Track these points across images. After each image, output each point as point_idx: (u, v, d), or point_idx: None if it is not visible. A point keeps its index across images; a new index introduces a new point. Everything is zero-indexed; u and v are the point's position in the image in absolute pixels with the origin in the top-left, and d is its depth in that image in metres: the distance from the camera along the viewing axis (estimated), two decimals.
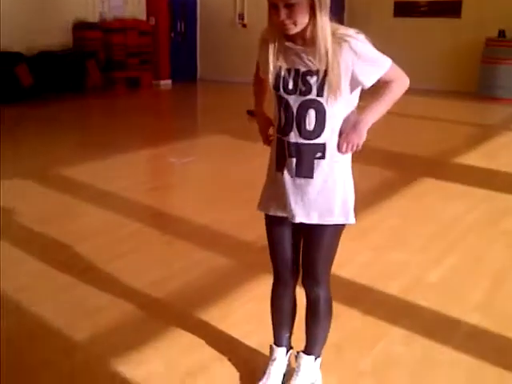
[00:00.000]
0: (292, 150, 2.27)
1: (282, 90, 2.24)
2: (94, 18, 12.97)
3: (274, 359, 2.66)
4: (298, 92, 2.21)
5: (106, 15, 13.24)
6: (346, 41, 2.14)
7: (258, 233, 4.33)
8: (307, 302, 2.53)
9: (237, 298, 3.52)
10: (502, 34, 12.97)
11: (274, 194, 2.40)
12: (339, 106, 2.22)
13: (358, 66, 2.16)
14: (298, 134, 2.24)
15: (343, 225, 2.38)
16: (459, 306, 3.45)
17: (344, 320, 3.18)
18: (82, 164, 6.64)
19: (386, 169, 6.64)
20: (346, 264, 3.85)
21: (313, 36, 2.13)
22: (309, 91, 2.18)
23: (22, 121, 9.20)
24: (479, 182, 6.14)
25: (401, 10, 14.15)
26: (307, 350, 2.60)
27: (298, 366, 2.61)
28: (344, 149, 2.27)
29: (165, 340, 3.03)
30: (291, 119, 2.24)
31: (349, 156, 2.33)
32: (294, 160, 2.28)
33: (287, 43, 2.20)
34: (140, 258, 4.11)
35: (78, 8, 12.61)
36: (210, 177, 6.38)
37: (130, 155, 7.19)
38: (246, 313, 3.34)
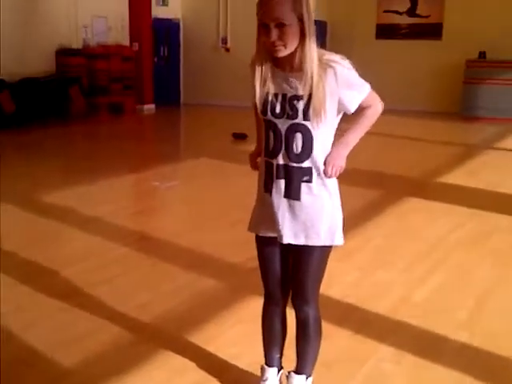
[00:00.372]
0: (280, 172, 2.31)
1: (269, 113, 2.27)
2: (77, 44, 13.02)
3: (266, 379, 2.66)
4: (285, 116, 2.25)
5: (89, 41, 13.30)
6: (331, 67, 2.18)
7: (245, 255, 4.41)
8: (297, 321, 2.53)
9: (225, 321, 3.50)
10: (482, 55, 13.22)
11: (263, 215, 2.43)
12: (325, 131, 2.27)
13: (344, 91, 2.22)
14: (286, 156, 2.28)
15: (330, 248, 2.40)
16: (446, 324, 3.46)
17: (333, 339, 3.18)
18: (65, 189, 6.63)
19: (371, 189, 6.69)
20: (334, 284, 3.87)
21: (301, 61, 2.16)
22: (296, 115, 2.22)
23: (5, 147, 9.15)
24: (463, 200, 6.21)
25: (383, 33, 14.39)
26: (298, 370, 2.60)
27: None
28: (329, 173, 2.30)
29: (154, 363, 3.01)
30: (280, 142, 2.28)
31: (335, 180, 2.37)
32: (283, 181, 2.31)
33: (275, 68, 2.24)
34: (127, 282, 4.09)
35: (62, 34, 12.66)
36: (195, 200, 6.38)
37: (113, 180, 7.19)
38: (235, 335, 3.33)
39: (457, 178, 7.37)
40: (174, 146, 10.53)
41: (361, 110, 2.32)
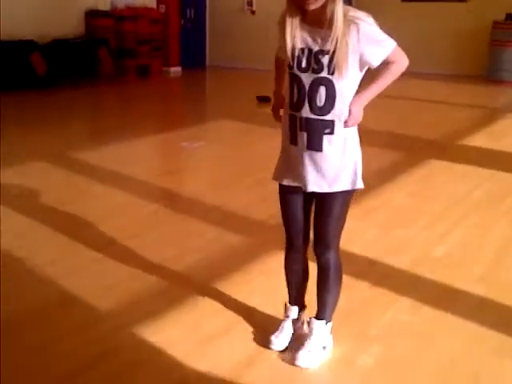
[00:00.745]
0: (303, 125, 2.47)
1: (295, 67, 2.43)
2: (105, 6, 13.12)
3: (288, 316, 2.88)
4: (310, 70, 2.40)
5: (117, 3, 13.39)
6: (355, 23, 2.32)
7: (268, 212, 4.60)
8: (318, 267, 2.72)
9: (249, 272, 3.69)
10: (509, 17, 13.04)
11: (287, 165, 2.61)
12: (347, 85, 2.42)
13: (367, 47, 2.35)
14: (309, 109, 2.44)
15: (352, 192, 2.57)
16: (464, 279, 3.62)
17: (353, 291, 3.36)
18: (96, 148, 6.82)
19: (394, 150, 6.79)
20: (355, 240, 4.03)
21: (329, 15, 2.30)
22: (321, 69, 2.38)
23: (37, 107, 9.37)
24: (483, 162, 6.31)
25: None
26: (318, 315, 2.79)
27: (311, 331, 2.80)
28: (348, 123, 2.45)
29: (184, 308, 3.22)
30: (304, 95, 2.43)
31: (355, 131, 2.53)
32: (305, 134, 2.47)
33: (303, 24, 2.39)
34: (158, 236, 4.29)
35: None
36: (221, 160, 6.55)
37: (142, 140, 7.38)
38: (259, 285, 3.51)
39: (478, 140, 7.44)
40: (200, 107, 10.67)
41: (385, 64, 2.44)
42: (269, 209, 4.75)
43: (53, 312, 3.21)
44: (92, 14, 12.69)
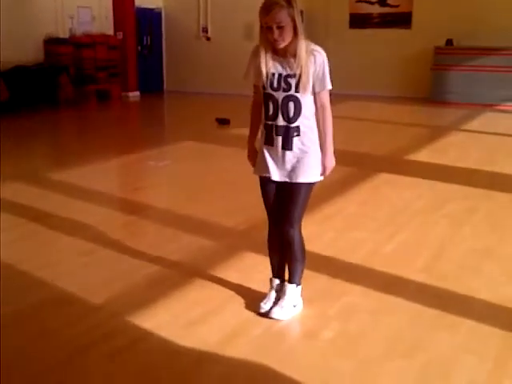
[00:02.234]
0: (278, 131, 3.21)
1: (269, 88, 3.16)
2: (64, 33, 13.55)
3: (273, 287, 3.57)
4: (281, 89, 3.14)
5: (75, 31, 13.83)
6: (314, 54, 3.10)
7: (235, 220, 5.14)
8: (284, 242, 3.41)
9: (225, 270, 4.18)
10: (449, 42, 13.95)
11: (264, 162, 3.31)
12: (308, 99, 3.18)
13: (315, 74, 3.14)
14: (282, 119, 3.17)
15: (313, 183, 3.32)
16: (408, 269, 4.19)
17: (315, 282, 3.90)
18: (65, 170, 7.21)
19: (346, 166, 7.35)
20: (315, 242, 4.53)
21: (294, 49, 3.06)
22: (289, 89, 3.13)
23: (1, 132, 9.67)
24: (427, 174, 6.99)
25: (355, 22, 15.03)
26: (290, 280, 3.51)
27: (284, 292, 3.50)
28: (326, 173, 3.33)
29: (170, 298, 3.71)
30: (277, 109, 3.18)
31: (316, 137, 3.26)
32: (280, 138, 3.21)
33: (274, 55, 3.13)
34: (136, 242, 4.72)
35: (49, 24, 13.20)
36: (188, 176, 7.05)
37: (109, 161, 7.85)
38: (235, 279, 3.99)
39: (423, 155, 8.14)
40: (161, 130, 11.16)
41: (319, 107, 3.22)
42: (236, 217, 5.31)
43: (51, 308, 3.64)
44: (52, 42, 13.12)
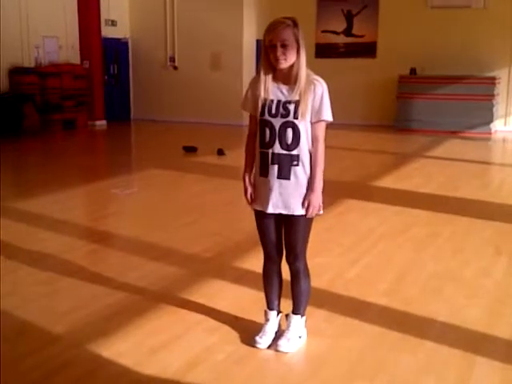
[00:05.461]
0: (275, 159, 3.12)
1: (267, 114, 3.10)
2: (29, 63, 13.51)
3: (268, 320, 3.48)
4: (279, 115, 3.08)
5: (41, 60, 13.80)
6: (313, 83, 3.08)
7: (199, 247, 5.15)
8: (291, 274, 3.36)
9: (190, 295, 4.15)
10: (413, 71, 14.24)
11: (259, 193, 3.23)
12: (308, 126, 3.12)
13: (313, 104, 3.09)
14: (279, 146, 3.10)
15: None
16: (371, 293, 4.22)
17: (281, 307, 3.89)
18: (28, 199, 7.14)
19: None
20: None
21: (296, 72, 3.04)
22: (287, 115, 3.08)
23: None
24: (391, 200, 7.08)
25: (321, 52, 15.24)
26: (294, 311, 3.43)
27: (289, 323, 3.43)
28: (310, 212, 3.15)
29: (131, 326, 3.66)
30: (274, 136, 3.11)
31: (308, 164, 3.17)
32: (276, 166, 3.13)
33: (273, 81, 3.10)
34: (101, 270, 4.67)
35: (14, 54, 13.13)
36: (153, 204, 7.02)
37: (73, 190, 7.80)
38: (199, 307, 3.96)
39: (388, 181, 8.25)
40: (128, 158, 11.12)
41: (313, 140, 3.15)
42: (202, 244, 5.32)
43: (10, 338, 3.57)
44: (17, 71, 13.05)
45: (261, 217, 3.28)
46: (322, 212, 3.23)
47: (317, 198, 3.17)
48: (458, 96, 13.53)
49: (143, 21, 16.05)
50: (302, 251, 3.30)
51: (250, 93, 3.21)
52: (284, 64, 3.03)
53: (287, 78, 3.08)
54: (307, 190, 3.17)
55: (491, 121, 13.57)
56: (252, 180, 3.30)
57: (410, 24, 14.34)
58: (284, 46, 2.99)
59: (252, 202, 3.30)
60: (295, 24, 3.04)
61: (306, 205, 3.15)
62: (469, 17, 13.93)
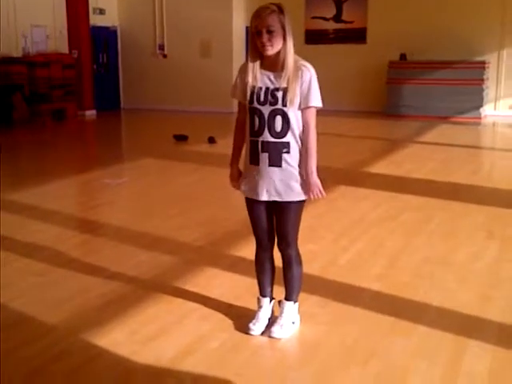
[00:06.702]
0: (265, 147, 3.12)
1: (255, 102, 3.09)
2: (17, 53, 13.41)
3: (261, 306, 3.49)
4: (268, 103, 3.07)
5: (29, 50, 13.70)
6: (301, 69, 3.05)
7: (193, 236, 5.14)
8: (283, 261, 3.37)
9: (183, 284, 4.16)
10: (403, 57, 14.23)
11: (250, 182, 3.23)
12: (297, 113, 3.10)
13: (302, 91, 3.07)
14: (269, 134, 3.09)
15: (303, 201, 3.23)
16: (363, 279, 4.24)
17: (274, 293, 3.90)
18: (20, 190, 7.11)
19: None
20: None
21: (283, 59, 3.02)
22: (276, 102, 3.06)
23: None
24: (382, 185, 7.10)
25: (311, 38, 15.21)
26: (287, 297, 3.44)
27: (282, 309, 3.44)
28: (312, 196, 3.17)
29: (126, 315, 3.67)
30: (263, 124, 3.09)
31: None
32: (267, 154, 3.12)
33: (261, 69, 3.09)
34: (93, 260, 4.67)
35: (2, 44, 13.01)
36: (145, 194, 7.01)
37: (64, 180, 7.76)
38: (192, 296, 3.97)
39: (380, 167, 8.27)
40: (119, 148, 11.10)
41: (304, 126, 3.14)
42: (195, 232, 5.32)
43: (5, 329, 3.56)
44: (4, 61, 12.94)
45: (252, 204, 3.29)
46: (325, 194, 3.23)
47: (314, 181, 3.18)
48: (448, 81, 13.55)
49: (132, 9, 15.97)
50: (294, 238, 3.31)
51: (239, 80, 3.20)
52: (270, 51, 3.01)
53: (274, 64, 3.07)
54: (300, 176, 3.17)
55: (481, 105, 13.61)
56: (241, 167, 3.32)
57: (399, 9, 14.33)
58: (270, 32, 2.98)
59: (243, 189, 3.30)
60: (281, 10, 3.03)
61: (305, 190, 3.17)
62: (458, 1, 13.92)
